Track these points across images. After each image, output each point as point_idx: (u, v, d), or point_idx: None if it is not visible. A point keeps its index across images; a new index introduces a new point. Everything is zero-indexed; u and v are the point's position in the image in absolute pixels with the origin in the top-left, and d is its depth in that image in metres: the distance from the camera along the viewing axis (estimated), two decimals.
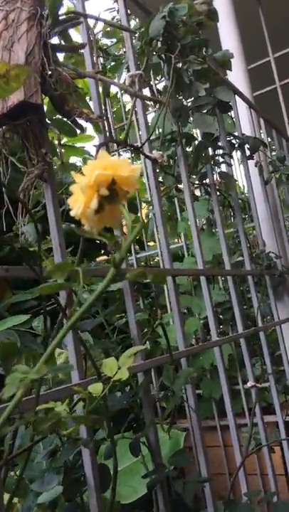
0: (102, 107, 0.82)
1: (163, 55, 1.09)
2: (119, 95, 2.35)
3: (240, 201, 1.95)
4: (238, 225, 1.47)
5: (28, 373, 0.36)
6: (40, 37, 0.66)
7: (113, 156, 1.89)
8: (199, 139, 1.32)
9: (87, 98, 0.88)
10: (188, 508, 0.81)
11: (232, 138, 1.55)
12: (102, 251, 2.62)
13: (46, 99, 0.75)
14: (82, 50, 0.86)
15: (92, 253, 2.56)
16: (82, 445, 0.64)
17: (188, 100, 1.23)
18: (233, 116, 1.74)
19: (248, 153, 1.60)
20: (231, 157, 1.47)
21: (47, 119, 0.76)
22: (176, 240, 2.46)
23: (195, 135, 1.45)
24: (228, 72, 1.44)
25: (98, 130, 0.86)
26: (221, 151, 1.39)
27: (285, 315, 1.81)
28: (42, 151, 0.66)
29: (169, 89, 1.02)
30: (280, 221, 1.95)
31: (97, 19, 0.83)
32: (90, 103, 0.88)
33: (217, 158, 1.41)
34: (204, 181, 1.47)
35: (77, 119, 0.70)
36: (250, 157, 1.61)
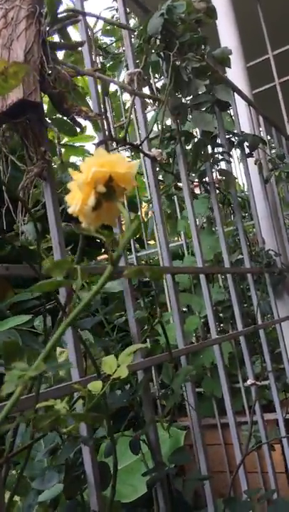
0: (101, 105, 0.82)
1: (161, 53, 1.09)
2: (118, 93, 2.35)
3: (239, 199, 1.95)
4: (238, 223, 1.47)
5: (27, 371, 0.36)
6: (39, 35, 0.66)
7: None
8: (198, 137, 1.32)
9: (88, 98, 0.88)
10: (188, 505, 0.81)
11: (231, 136, 1.55)
12: (103, 250, 2.62)
13: (46, 99, 0.75)
14: (81, 49, 0.86)
15: (93, 252, 2.56)
16: (82, 443, 0.64)
17: (187, 98, 1.23)
18: (232, 114, 1.74)
19: (247, 151, 1.60)
20: (230, 155, 1.47)
21: (47, 119, 0.76)
22: (176, 239, 2.46)
23: (194, 133, 1.45)
24: (227, 70, 1.44)
25: (97, 129, 0.86)
26: (220, 149, 1.39)
27: (285, 313, 1.81)
28: (41, 150, 0.66)
29: (167, 87, 1.02)
30: (279, 219, 1.95)
31: (95, 17, 0.82)
32: (91, 103, 0.88)
33: (216, 156, 1.41)
34: (204, 179, 1.47)
35: (76, 117, 0.70)
36: (250, 155, 1.61)
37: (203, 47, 1.19)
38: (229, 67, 1.35)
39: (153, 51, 1.09)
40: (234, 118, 1.64)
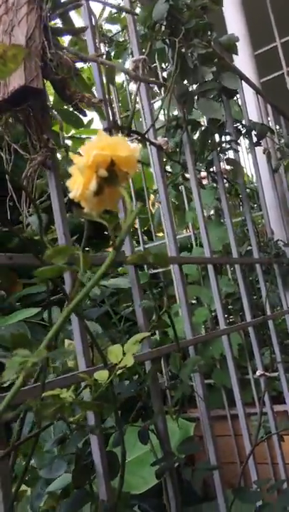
0: (105, 92, 0.81)
1: (167, 40, 1.07)
2: (125, 84, 2.33)
3: (248, 190, 1.93)
4: (246, 213, 1.45)
5: (29, 357, 0.36)
6: (40, 20, 0.65)
7: None
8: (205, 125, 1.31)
9: (93, 90, 0.87)
10: (197, 495, 0.81)
11: (239, 124, 1.53)
12: (111, 242, 2.61)
13: (52, 91, 0.74)
14: (84, 37, 0.85)
15: (101, 244, 2.55)
16: (89, 432, 0.63)
17: (193, 87, 1.21)
18: (239, 103, 1.72)
19: (255, 140, 1.58)
20: (238, 144, 1.45)
21: (54, 111, 0.75)
22: (184, 231, 2.44)
23: (202, 123, 1.43)
24: (234, 58, 1.42)
25: (103, 117, 0.85)
26: (227, 138, 1.37)
27: None
28: (44, 137, 0.66)
29: (173, 74, 1.00)
30: (288, 209, 1.93)
31: (97, 1, 0.81)
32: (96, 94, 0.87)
33: (224, 145, 1.39)
34: (211, 169, 1.45)
35: (79, 103, 0.69)
36: (258, 144, 1.58)
37: (209, 33, 1.17)
38: (236, 54, 1.33)
39: (158, 38, 1.07)
40: (242, 107, 1.62)
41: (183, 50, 1.08)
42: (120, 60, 1.71)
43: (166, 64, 1.45)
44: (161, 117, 1.53)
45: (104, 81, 0.80)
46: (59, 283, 0.71)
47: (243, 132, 1.52)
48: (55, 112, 0.76)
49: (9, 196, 0.73)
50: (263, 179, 1.65)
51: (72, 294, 0.54)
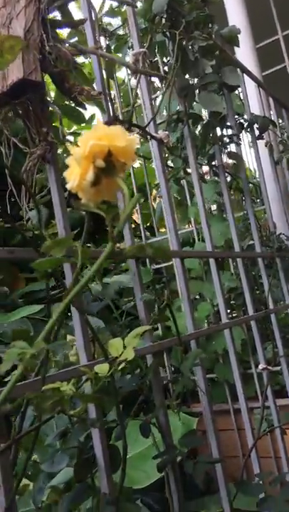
0: (105, 85, 0.80)
1: (167, 33, 1.07)
2: (126, 80, 2.32)
3: (250, 185, 1.92)
4: (248, 207, 1.45)
5: (27, 349, 0.35)
6: (38, 13, 0.65)
7: None
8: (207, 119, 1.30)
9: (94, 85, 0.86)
10: (199, 488, 0.81)
11: (240, 117, 1.52)
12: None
13: (53, 87, 0.73)
14: (84, 30, 0.85)
15: (102, 240, 2.55)
16: (90, 425, 0.63)
17: (195, 80, 1.20)
18: (241, 96, 1.71)
19: (257, 133, 1.57)
20: (240, 138, 1.45)
21: (56, 107, 0.74)
22: (187, 226, 2.43)
23: (203, 117, 1.43)
24: (236, 50, 1.41)
25: (103, 110, 0.85)
26: (229, 131, 1.36)
27: None
28: (43, 130, 0.65)
29: (173, 66, 0.99)
30: None
31: None
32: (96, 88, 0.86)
33: (225, 138, 1.38)
34: (213, 163, 1.45)
35: (78, 96, 0.69)
36: (260, 137, 1.58)
37: (210, 26, 1.16)
38: (238, 46, 1.32)
39: (158, 31, 1.07)
40: (243, 100, 1.61)
41: (183, 42, 1.07)
42: (120, 54, 1.70)
43: (167, 58, 1.44)
44: (163, 112, 1.53)
45: (104, 74, 0.80)
46: (59, 277, 0.71)
47: (245, 126, 1.52)
48: (55, 106, 0.75)
49: (9, 191, 0.73)
50: (265, 172, 1.64)
51: (70, 286, 0.54)
